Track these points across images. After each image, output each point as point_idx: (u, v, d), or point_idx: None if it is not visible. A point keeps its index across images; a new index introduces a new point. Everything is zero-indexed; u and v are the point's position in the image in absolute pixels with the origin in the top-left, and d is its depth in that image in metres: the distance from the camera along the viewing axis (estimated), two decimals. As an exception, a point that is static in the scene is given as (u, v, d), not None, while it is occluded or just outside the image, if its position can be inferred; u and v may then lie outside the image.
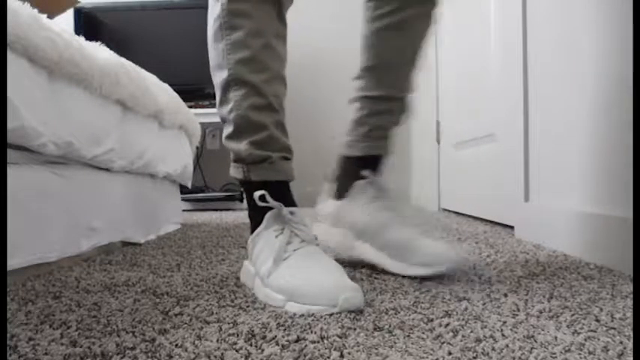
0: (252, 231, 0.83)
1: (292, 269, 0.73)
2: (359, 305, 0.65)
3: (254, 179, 0.84)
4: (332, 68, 2.93)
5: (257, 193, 0.79)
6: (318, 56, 3.02)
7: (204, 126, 2.31)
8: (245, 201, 1.06)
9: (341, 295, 0.65)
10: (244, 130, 0.83)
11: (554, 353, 0.49)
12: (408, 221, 0.94)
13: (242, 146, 0.84)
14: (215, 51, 0.84)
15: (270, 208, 0.80)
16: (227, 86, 0.83)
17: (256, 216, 0.83)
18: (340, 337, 0.55)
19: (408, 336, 0.55)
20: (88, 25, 2.90)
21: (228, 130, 0.85)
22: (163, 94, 1.57)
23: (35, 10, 0.94)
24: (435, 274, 0.83)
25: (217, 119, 0.89)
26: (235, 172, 0.87)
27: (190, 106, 2.04)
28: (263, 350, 0.51)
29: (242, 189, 0.90)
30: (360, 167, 0.97)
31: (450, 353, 0.50)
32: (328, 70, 2.96)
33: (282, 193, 0.83)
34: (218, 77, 0.85)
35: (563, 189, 1.16)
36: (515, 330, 0.56)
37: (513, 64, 1.41)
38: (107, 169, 1.26)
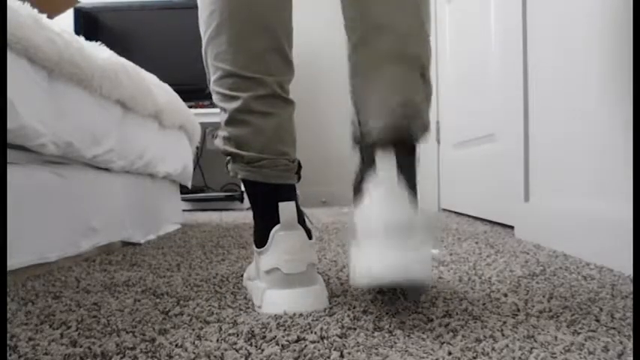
0: None
1: None
2: None
3: None
4: (332, 69, 2.93)
5: None
6: (318, 56, 3.02)
7: (204, 126, 2.30)
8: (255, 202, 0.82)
9: None
10: None
11: (554, 353, 0.49)
12: None
13: None
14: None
15: None
16: None
17: None
18: (340, 337, 0.55)
19: (408, 336, 0.55)
20: (88, 25, 2.90)
21: None
22: (163, 94, 1.57)
23: (35, 10, 0.94)
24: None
25: (217, 119, 0.80)
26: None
27: (190, 106, 2.04)
28: (263, 350, 0.51)
29: None
30: None
31: (450, 353, 0.50)
32: (329, 71, 2.96)
33: None
34: None
35: (563, 189, 1.16)
36: (515, 330, 0.56)
37: (513, 64, 1.41)
38: (107, 169, 1.26)
